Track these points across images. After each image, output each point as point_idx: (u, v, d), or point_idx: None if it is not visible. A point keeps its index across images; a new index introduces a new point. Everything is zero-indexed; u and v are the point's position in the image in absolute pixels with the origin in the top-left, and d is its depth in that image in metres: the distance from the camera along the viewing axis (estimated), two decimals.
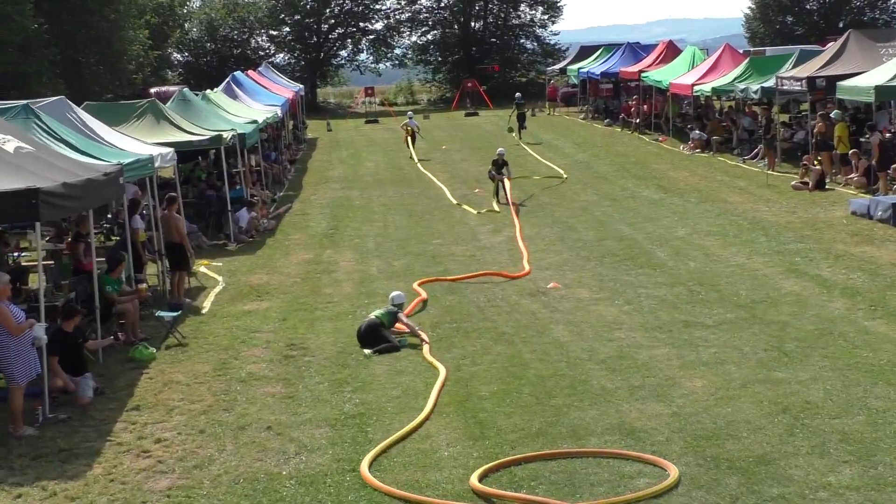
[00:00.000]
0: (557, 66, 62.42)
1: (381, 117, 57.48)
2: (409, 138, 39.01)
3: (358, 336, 14.14)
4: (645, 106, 42.94)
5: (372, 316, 14.36)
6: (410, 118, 41.63)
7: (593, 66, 50.52)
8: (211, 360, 14.00)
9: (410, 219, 25.07)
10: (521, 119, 42.65)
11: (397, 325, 14.35)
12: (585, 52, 57.22)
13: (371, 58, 75.73)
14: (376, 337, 13.98)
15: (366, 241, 22.49)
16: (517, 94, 44.86)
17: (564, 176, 30.69)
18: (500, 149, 27.91)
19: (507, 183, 26.15)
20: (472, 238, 22.21)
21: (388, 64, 76.82)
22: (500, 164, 26.97)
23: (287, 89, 44.55)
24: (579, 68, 52.55)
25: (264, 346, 14.49)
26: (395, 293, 15.15)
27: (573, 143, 40.63)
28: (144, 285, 17.07)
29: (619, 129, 43.79)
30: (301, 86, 53.08)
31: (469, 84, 60.80)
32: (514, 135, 41.43)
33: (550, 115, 54.36)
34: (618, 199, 26.58)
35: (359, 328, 14.26)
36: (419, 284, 17.46)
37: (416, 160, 36.07)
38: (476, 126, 49.96)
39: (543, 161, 34.27)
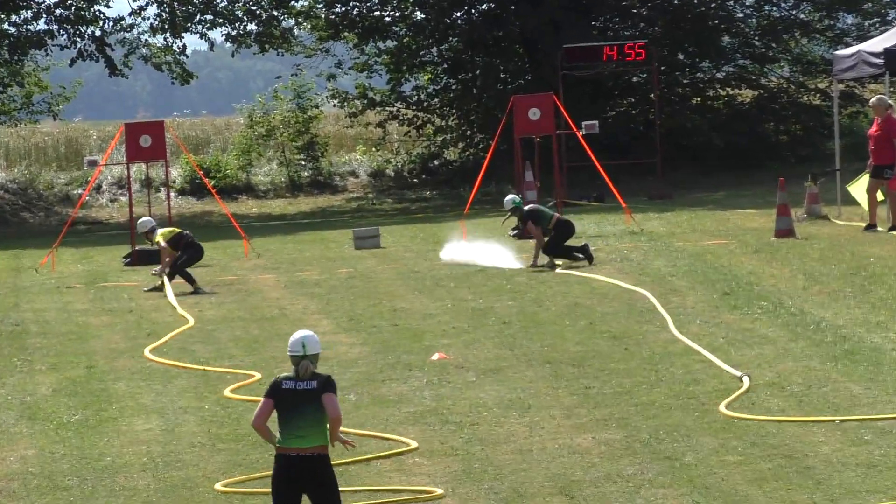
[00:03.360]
0: (874, 45, 46.74)
1: (211, 236, 42.60)
2: (162, 280, 32.83)
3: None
4: None
5: None
6: (147, 230, 34.43)
7: None
8: None
9: None
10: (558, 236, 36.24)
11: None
12: None
13: (154, 15, 51.14)
14: None
15: None
16: (510, 197, 38.03)
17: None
18: None
19: None
20: None
21: (221, 36, 53.10)
22: None
23: None
24: None
25: None
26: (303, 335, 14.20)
27: None
28: None
29: None
30: None
31: (534, 109, 41.92)
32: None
33: (870, 229, 36.88)
34: None
35: None
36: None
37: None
38: (563, 286, 35.30)
39: None
